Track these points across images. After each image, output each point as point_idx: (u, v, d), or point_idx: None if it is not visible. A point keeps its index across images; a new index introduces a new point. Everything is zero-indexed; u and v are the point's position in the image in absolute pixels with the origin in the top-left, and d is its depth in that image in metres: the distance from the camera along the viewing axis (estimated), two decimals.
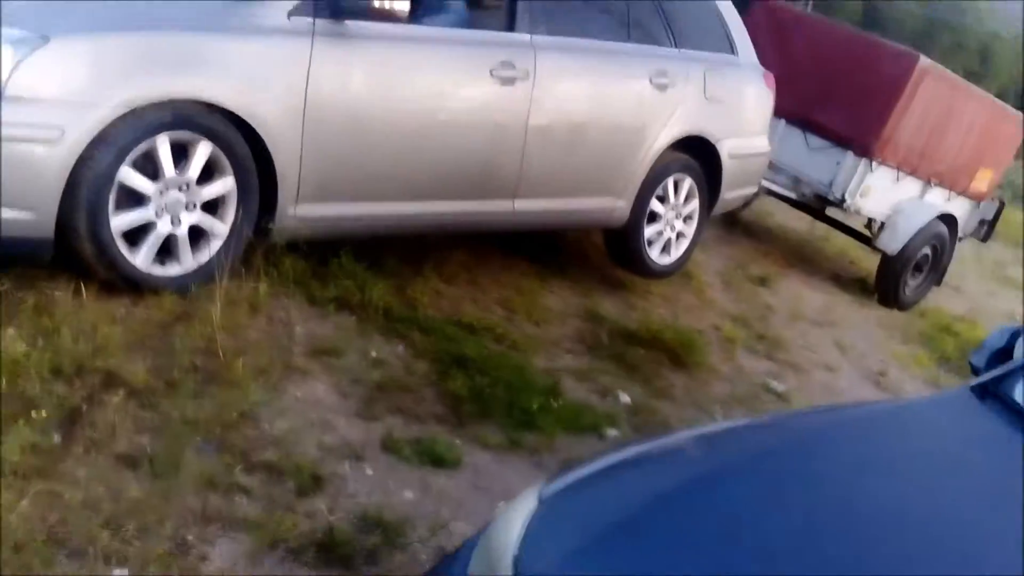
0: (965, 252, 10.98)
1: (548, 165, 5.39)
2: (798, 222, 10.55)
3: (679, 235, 6.30)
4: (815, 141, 8.81)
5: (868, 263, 9.83)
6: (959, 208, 9.70)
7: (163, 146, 3.90)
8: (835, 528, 2.17)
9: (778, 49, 8.53)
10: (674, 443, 2.66)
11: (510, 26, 5.13)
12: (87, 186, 3.70)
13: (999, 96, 12.16)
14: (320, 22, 4.29)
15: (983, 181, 9.87)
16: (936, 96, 8.75)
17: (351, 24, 4.39)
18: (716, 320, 6.50)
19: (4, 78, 3.50)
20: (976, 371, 3.12)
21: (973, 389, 2.92)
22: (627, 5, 5.84)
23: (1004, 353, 3.10)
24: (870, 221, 9.33)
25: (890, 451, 2.59)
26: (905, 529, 2.21)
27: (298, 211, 4.42)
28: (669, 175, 6.07)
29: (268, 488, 3.23)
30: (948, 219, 9.37)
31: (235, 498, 3.13)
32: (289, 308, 4.43)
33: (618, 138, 5.73)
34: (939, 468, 2.54)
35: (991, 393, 2.87)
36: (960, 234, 9.81)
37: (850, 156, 8.62)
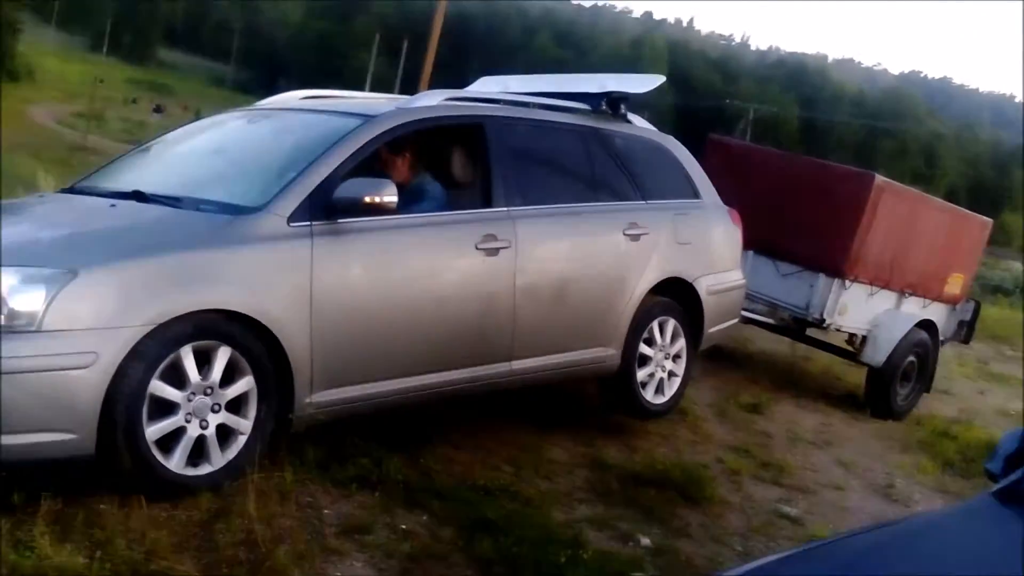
0: (947, 355, 11.26)
1: (539, 323, 5.69)
2: (779, 345, 10.83)
3: (670, 374, 6.57)
4: (785, 267, 9.16)
5: (854, 377, 10.09)
6: (937, 313, 10.04)
7: (187, 357, 4.20)
8: None
9: (736, 183, 8.92)
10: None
11: (488, 202, 5.52)
12: (122, 402, 3.97)
13: (951, 192, 12.79)
14: (317, 224, 4.66)
15: (955, 285, 10.24)
16: (896, 210, 9.15)
17: (345, 222, 4.75)
18: (718, 452, 6.71)
19: (40, 314, 3.82)
20: (993, 477, 3.21)
21: (995, 495, 3.01)
22: (592, 168, 6.25)
23: (1017, 456, 3.19)
24: (851, 337, 9.61)
25: (938, 568, 2.64)
26: None
27: (314, 399, 4.69)
28: (654, 318, 6.38)
29: None
30: (927, 325, 9.67)
31: None
32: (315, 492, 4.66)
33: (601, 289, 6.06)
34: None
35: (1015, 497, 2.96)
36: (941, 338, 10.11)
37: (822, 278, 8.95)
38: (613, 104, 6.62)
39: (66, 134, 52.87)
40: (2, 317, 3.83)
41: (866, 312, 9.28)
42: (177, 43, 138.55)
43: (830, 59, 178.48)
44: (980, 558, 2.72)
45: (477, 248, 5.34)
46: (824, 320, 9.00)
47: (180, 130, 6.47)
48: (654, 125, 7.11)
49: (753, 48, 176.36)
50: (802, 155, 12.07)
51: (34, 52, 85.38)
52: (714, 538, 5.22)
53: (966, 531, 2.92)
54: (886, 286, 9.39)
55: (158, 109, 77.53)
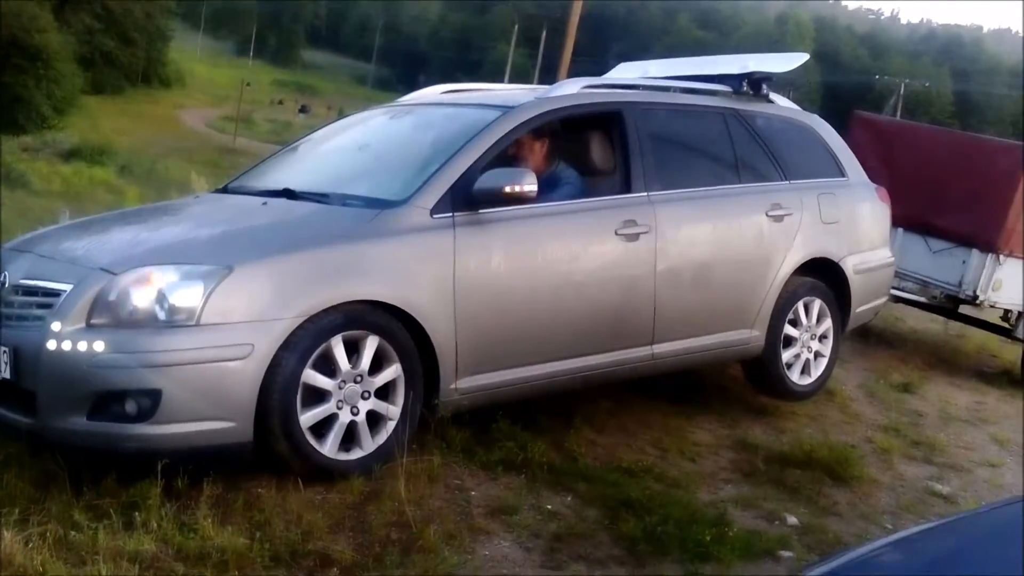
0: None
1: (680, 308, 5.70)
2: (931, 324, 10.58)
3: (816, 355, 6.50)
4: (936, 244, 8.97)
5: (1010, 354, 9.79)
6: None
7: (338, 347, 4.35)
8: None
9: (883, 160, 8.81)
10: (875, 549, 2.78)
11: (627, 188, 5.55)
12: (277, 391, 4.15)
13: None
14: (459, 215, 4.78)
15: None
16: None
17: (486, 212, 4.85)
18: (867, 432, 6.60)
19: (198, 309, 4.02)
20: None
21: None
22: (733, 150, 6.21)
23: None
24: (1006, 313, 9.35)
25: None
26: None
27: (459, 385, 4.81)
28: (799, 299, 6.31)
29: None
30: None
31: None
32: (462, 475, 4.78)
33: (744, 272, 6.03)
34: None
35: None
36: None
37: (975, 254, 8.74)
38: (754, 84, 6.56)
39: (216, 137, 54.84)
40: (164, 312, 4.05)
41: (1021, 287, 8.99)
42: (320, 44, 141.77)
43: (985, 30, 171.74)
44: None
45: (617, 234, 5.37)
46: (977, 297, 8.78)
47: (325, 129, 6.68)
48: (800, 104, 7.02)
49: (904, 22, 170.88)
50: (950, 129, 11.76)
51: (184, 58, 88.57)
52: (863, 516, 5.15)
53: None
54: None
55: (303, 109, 79.55)
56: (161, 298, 4.07)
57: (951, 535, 2.82)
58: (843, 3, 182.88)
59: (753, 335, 6.10)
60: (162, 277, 4.13)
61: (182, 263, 4.23)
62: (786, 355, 6.32)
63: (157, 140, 47.39)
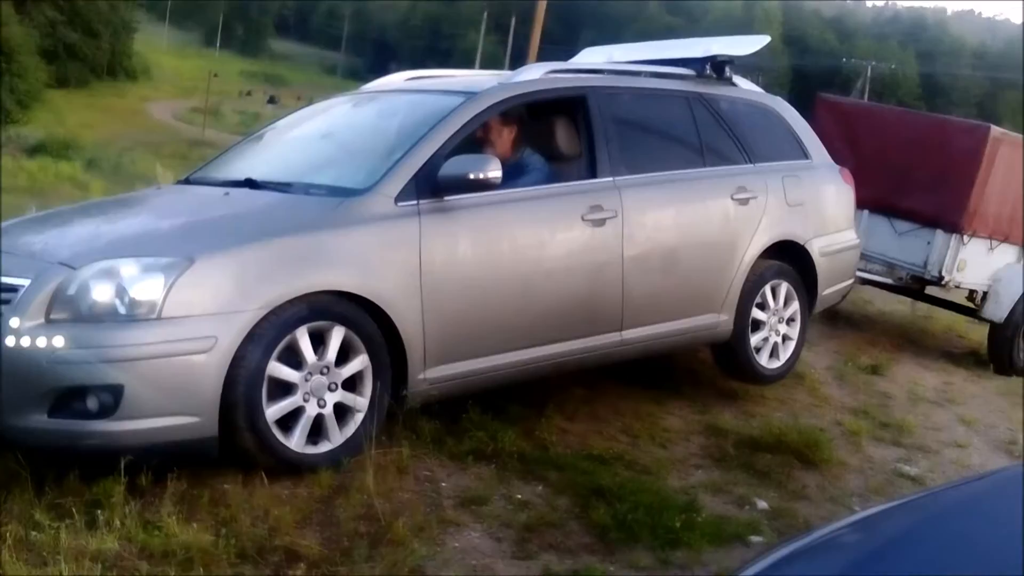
0: None
1: (648, 292, 5.68)
2: (898, 305, 10.63)
3: (784, 338, 6.49)
4: (901, 225, 9.00)
5: (977, 334, 9.86)
6: None
7: (303, 338, 4.31)
8: None
9: (848, 143, 8.83)
10: (832, 531, 2.78)
11: (593, 173, 5.52)
12: (242, 384, 4.10)
13: None
14: (424, 202, 4.74)
15: None
16: (1014, 162, 8.90)
17: (451, 199, 4.82)
18: (836, 415, 6.63)
19: (159, 302, 3.97)
20: None
21: None
22: (697, 134, 6.19)
23: None
24: (972, 293, 9.41)
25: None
26: None
27: (427, 375, 4.77)
28: (766, 282, 6.31)
29: None
30: None
31: None
32: (432, 466, 4.75)
33: (711, 256, 6.02)
34: None
35: None
36: None
37: (940, 234, 8.78)
38: (717, 68, 6.54)
39: (184, 129, 54.47)
40: (124, 307, 3.99)
41: (986, 267, 9.07)
42: (289, 34, 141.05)
43: (949, 12, 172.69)
44: None
45: (583, 219, 5.35)
46: (943, 277, 8.83)
47: (289, 118, 6.62)
48: (769, 88, 7.02)
49: (869, 4, 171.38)
50: (914, 110, 11.82)
51: (150, 50, 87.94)
52: (832, 499, 5.16)
53: None
54: (1006, 239, 9.15)
55: (272, 100, 79.15)
56: (121, 291, 4.01)
57: (904, 515, 2.83)
58: None
59: (721, 319, 6.09)
60: (122, 270, 4.07)
61: (142, 255, 4.18)
62: (754, 339, 6.31)
63: (124, 133, 47.02)
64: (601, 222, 5.39)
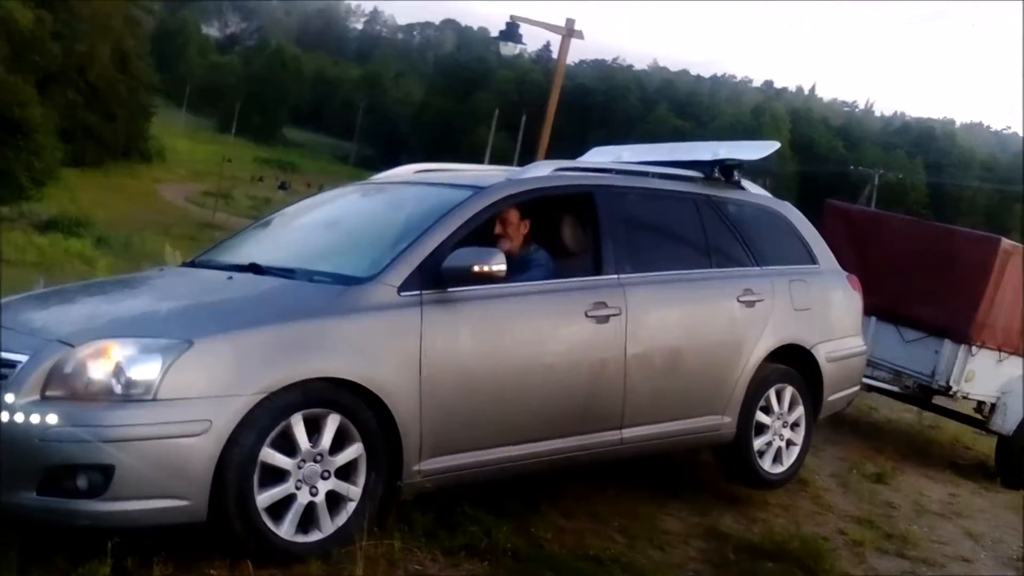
0: None
1: (650, 391, 5.63)
2: (905, 413, 10.54)
3: (788, 443, 6.41)
4: (909, 334, 8.98)
5: (984, 446, 9.75)
6: None
7: (298, 425, 4.25)
8: None
9: (856, 249, 8.84)
10: None
11: (598, 269, 5.52)
12: (234, 469, 4.04)
13: None
14: (427, 293, 4.71)
15: None
16: (1022, 275, 8.88)
17: (454, 291, 4.79)
18: (839, 524, 6.52)
19: (156, 383, 3.93)
20: None
21: None
22: (704, 235, 6.20)
23: None
24: (980, 404, 9.33)
25: None
26: None
27: (422, 466, 4.70)
28: (770, 386, 6.26)
29: None
30: None
31: None
32: (424, 560, 4.66)
33: (715, 357, 5.97)
34: None
35: None
36: None
37: (948, 344, 8.75)
38: (726, 171, 6.57)
39: (195, 211, 54.87)
40: (120, 386, 3.95)
41: (995, 379, 9.01)
42: (303, 123, 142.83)
43: (958, 123, 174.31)
44: None
45: (587, 315, 5.32)
46: (951, 387, 8.77)
47: (297, 205, 6.65)
48: (777, 192, 7.05)
49: (878, 114, 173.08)
50: (924, 220, 11.90)
51: (166, 134, 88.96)
52: None
53: None
54: (1015, 352, 9.09)
55: (283, 186, 79.88)
56: (118, 371, 3.98)
57: None
58: (818, 95, 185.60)
59: (724, 421, 6.02)
60: (120, 350, 4.04)
61: (141, 336, 4.15)
62: (758, 442, 6.23)
63: (135, 213, 47.41)
64: (605, 319, 5.36)
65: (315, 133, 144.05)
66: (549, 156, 22.38)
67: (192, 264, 5.79)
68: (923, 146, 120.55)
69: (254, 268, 5.11)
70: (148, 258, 18.86)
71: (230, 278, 5.06)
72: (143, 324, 4.40)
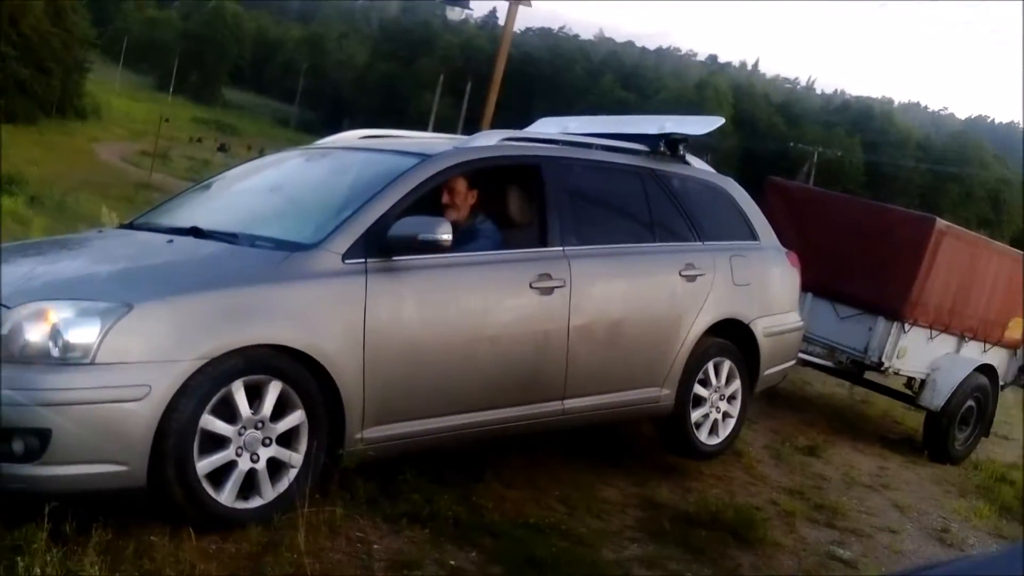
0: (1007, 399, 11.06)
1: (592, 363, 5.67)
2: (837, 388, 10.70)
3: (725, 415, 6.51)
4: (844, 310, 9.10)
5: (913, 421, 9.95)
6: (997, 358, 9.91)
7: (239, 391, 4.23)
8: None
9: (795, 226, 8.93)
10: None
11: (543, 241, 5.53)
12: (174, 435, 4.01)
13: (1016, 238, 12.50)
14: (372, 261, 4.70)
15: (1016, 329, 10.10)
16: (957, 255, 9.06)
17: (400, 259, 4.78)
18: (772, 494, 6.63)
19: (94, 347, 3.88)
20: None
21: None
22: (649, 209, 6.24)
23: None
24: (910, 380, 9.50)
25: None
26: None
27: (365, 434, 4.71)
28: (709, 359, 6.34)
29: None
30: (987, 370, 9.55)
31: None
32: (365, 527, 4.66)
33: (656, 330, 6.03)
34: None
35: None
36: (1001, 382, 9.97)
37: (881, 321, 8.88)
38: (671, 145, 6.61)
39: (131, 172, 53.92)
40: (57, 349, 3.90)
41: (925, 356, 9.18)
42: (243, 83, 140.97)
43: (896, 103, 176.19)
44: None
45: (532, 287, 5.34)
46: (883, 363, 8.91)
47: (239, 168, 6.57)
48: (718, 168, 7.09)
49: (819, 92, 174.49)
50: (862, 198, 12.06)
51: (102, 91, 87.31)
52: None
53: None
54: (946, 330, 9.28)
55: (222, 148, 78.64)
56: (55, 334, 3.92)
57: None
58: (761, 71, 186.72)
59: (663, 393, 6.09)
60: (57, 313, 3.98)
61: (79, 299, 4.09)
62: (695, 414, 6.32)
63: (70, 172, 46.42)
64: (549, 291, 5.38)
65: (255, 95, 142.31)
66: (494, 125, 22.34)
67: (131, 226, 5.70)
68: (862, 125, 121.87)
69: (195, 232, 5.04)
70: (83, 219, 18.56)
71: (170, 241, 4.99)
72: (81, 286, 4.33)
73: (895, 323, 8.85)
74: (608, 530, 5.38)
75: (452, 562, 4.51)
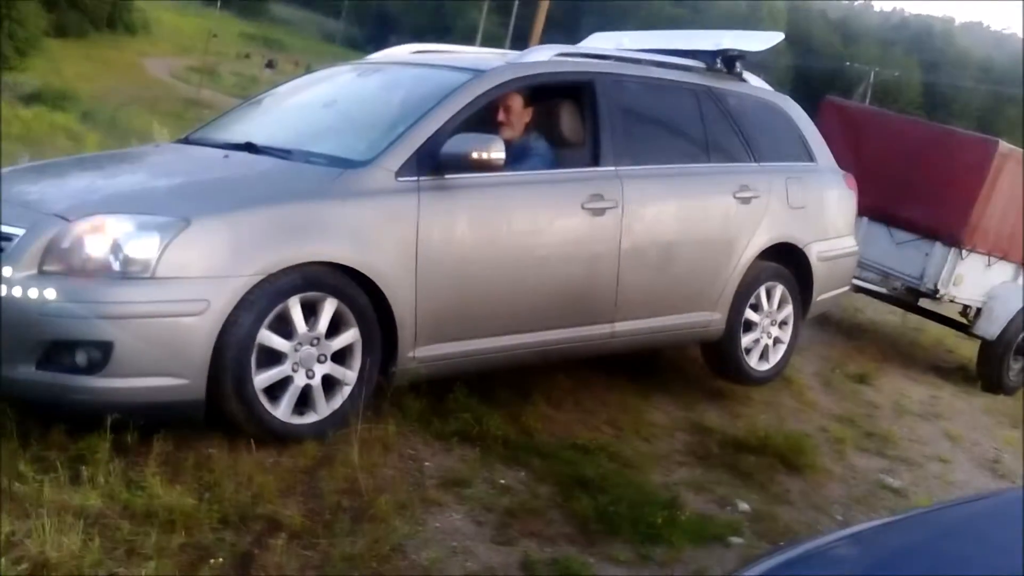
0: None
1: (643, 286, 5.64)
2: (890, 316, 10.61)
3: (776, 341, 6.45)
4: (901, 235, 8.96)
5: (966, 350, 9.85)
6: None
7: (295, 307, 4.26)
8: None
9: (852, 148, 8.77)
10: (827, 543, 2.76)
11: (596, 161, 5.47)
12: (232, 350, 4.06)
13: None
14: (424, 179, 4.67)
15: None
16: (1017, 179, 8.85)
17: (452, 177, 4.76)
18: (821, 421, 6.62)
19: (154, 261, 3.91)
20: None
21: None
22: (704, 128, 6.14)
23: None
24: (965, 308, 9.40)
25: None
26: None
27: (417, 353, 4.73)
28: (761, 284, 6.27)
29: None
30: None
31: None
32: (417, 445, 4.72)
33: (708, 253, 5.97)
34: None
35: None
36: None
37: (939, 247, 8.74)
38: (728, 62, 6.48)
39: (180, 87, 54.12)
40: (118, 263, 3.94)
41: (982, 283, 9.05)
42: None
43: (957, 23, 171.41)
44: None
45: (583, 208, 5.30)
46: (938, 291, 8.80)
47: (291, 84, 6.56)
48: (771, 86, 6.96)
49: (876, 9, 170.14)
50: (922, 120, 11.80)
51: (150, 6, 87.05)
52: (814, 506, 5.16)
53: None
54: (1004, 257, 9.13)
55: (270, 64, 78.39)
56: (116, 248, 3.95)
57: (903, 532, 2.80)
58: None
59: (714, 318, 6.05)
60: (117, 226, 4.01)
61: (138, 213, 4.12)
62: (745, 340, 6.27)
63: (121, 88, 46.64)
64: (601, 211, 5.34)
65: (301, 9, 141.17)
66: (542, 42, 22.11)
67: (186, 141, 5.72)
68: (920, 44, 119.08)
69: (250, 147, 5.05)
70: (135, 134, 18.67)
71: (226, 156, 5.01)
72: (140, 201, 4.36)
73: (952, 249, 8.72)
74: (656, 453, 5.41)
75: (502, 481, 4.56)
